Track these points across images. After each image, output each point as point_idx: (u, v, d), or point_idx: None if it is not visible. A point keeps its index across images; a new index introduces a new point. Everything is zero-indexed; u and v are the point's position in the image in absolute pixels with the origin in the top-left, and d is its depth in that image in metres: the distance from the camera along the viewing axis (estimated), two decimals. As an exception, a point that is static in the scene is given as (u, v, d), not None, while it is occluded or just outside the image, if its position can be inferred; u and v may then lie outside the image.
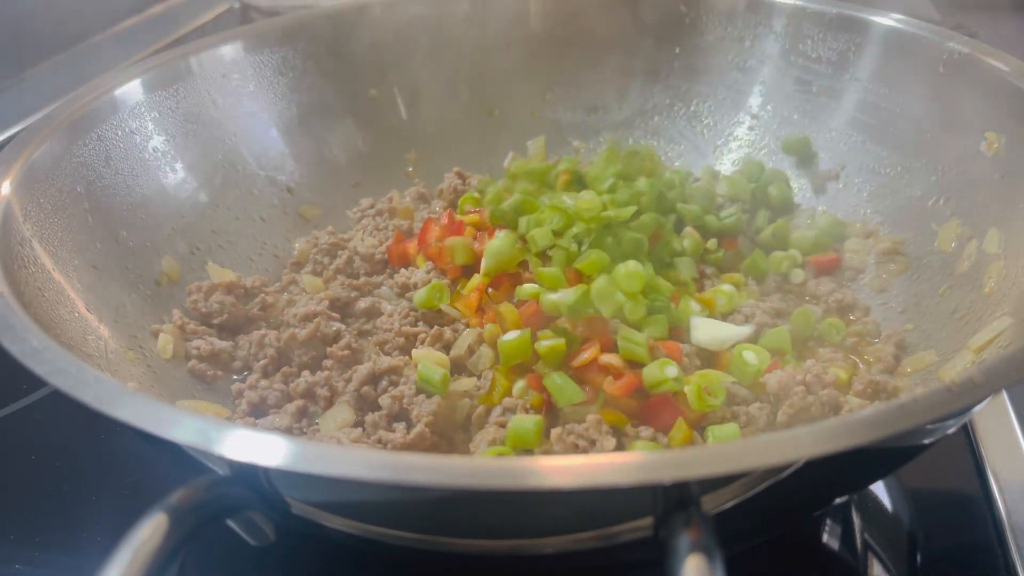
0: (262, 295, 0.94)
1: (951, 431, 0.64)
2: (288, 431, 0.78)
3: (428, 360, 0.79)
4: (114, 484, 0.81)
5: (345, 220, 1.09)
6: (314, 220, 1.09)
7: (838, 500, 0.75)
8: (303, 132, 1.11)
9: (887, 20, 1.00)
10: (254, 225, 1.04)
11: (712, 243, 0.97)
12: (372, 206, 1.09)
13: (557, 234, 0.88)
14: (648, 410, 0.74)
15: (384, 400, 0.77)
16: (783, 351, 0.83)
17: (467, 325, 0.85)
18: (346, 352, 0.84)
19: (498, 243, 0.86)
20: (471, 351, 0.82)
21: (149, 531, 0.45)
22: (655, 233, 0.92)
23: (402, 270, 0.95)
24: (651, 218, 0.91)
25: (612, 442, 0.70)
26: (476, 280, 0.87)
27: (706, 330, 0.81)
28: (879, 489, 0.80)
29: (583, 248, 0.87)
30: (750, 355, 0.77)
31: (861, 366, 0.85)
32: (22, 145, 0.81)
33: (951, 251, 0.88)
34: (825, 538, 0.75)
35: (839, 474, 0.58)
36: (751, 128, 1.14)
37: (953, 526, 0.77)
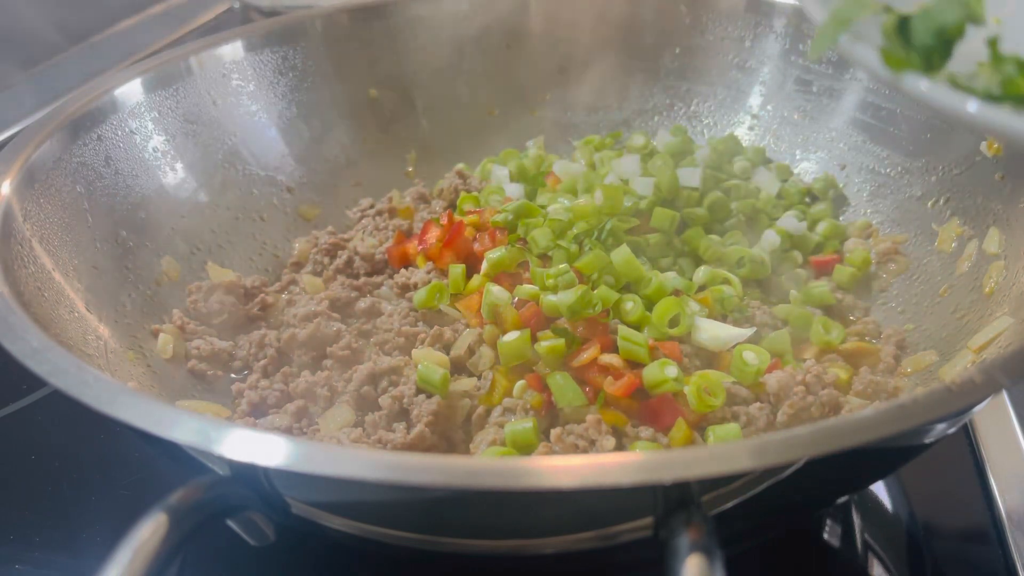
0: (262, 295, 0.94)
1: (951, 431, 0.64)
2: (288, 431, 0.78)
3: (428, 360, 0.79)
4: (114, 484, 0.81)
5: (345, 220, 1.09)
6: (314, 220, 1.09)
7: (838, 500, 0.75)
8: (303, 132, 1.11)
9: (887, 20, 1.00)
10: (254, 225, 1.04)
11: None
12: (372, 206, 1.09)
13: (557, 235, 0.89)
14: (648, 410, 0.74)
15: (384, 400, 0.77)
16: (783, 353, 0.83)
17: (467, 325, 0.85)
18: (346, 352, 0.84)
19: (499, 254, 0.87)
20: (471, 351, 0.82)
21: (149, 531, 0.45)
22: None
23: (402, 270, 0.95)
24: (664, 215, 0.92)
25: (612, 442, 0.70)
26: (476, 280, 0.87)
27: (707, 330, 0.81)
28: (879, 489, 0.80)
29: (584, 248, 0.87)
30: (750, 355, 0.77)
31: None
32: (22, 145, 0.81)
33: (951, 251, 0.88)
34: (825, 538, 0.75)
35: (839, 474, 0.58)
36: (751, 128, 1.14)
37: (953, 526, 0.77)
